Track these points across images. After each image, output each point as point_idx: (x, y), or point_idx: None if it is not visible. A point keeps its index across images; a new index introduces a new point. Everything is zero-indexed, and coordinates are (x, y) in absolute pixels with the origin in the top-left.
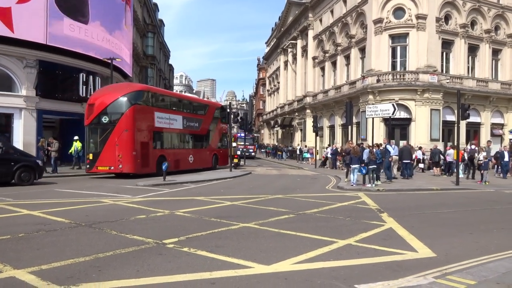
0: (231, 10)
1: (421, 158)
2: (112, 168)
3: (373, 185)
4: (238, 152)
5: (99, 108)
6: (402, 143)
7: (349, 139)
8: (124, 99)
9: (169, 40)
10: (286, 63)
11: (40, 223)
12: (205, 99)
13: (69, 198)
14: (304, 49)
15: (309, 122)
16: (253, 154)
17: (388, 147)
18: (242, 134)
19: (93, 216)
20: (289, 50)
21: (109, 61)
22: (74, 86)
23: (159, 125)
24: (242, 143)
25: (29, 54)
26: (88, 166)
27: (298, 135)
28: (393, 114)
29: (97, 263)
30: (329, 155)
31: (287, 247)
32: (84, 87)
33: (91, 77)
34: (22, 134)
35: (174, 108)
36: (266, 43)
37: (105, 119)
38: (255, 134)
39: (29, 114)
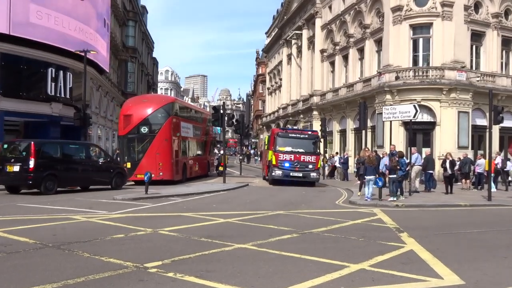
0: None
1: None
2: (153, 175)
3: (393, 199)
4: (279, 172)
5: (138, 119)
6: (424, 151)
7: (365, 145)
8: (163, 111)
9: (153, 30)
10: (289, 56)
11: None
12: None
13: (34, 214)
14: (311, 41)
15: (316, 125)
16: (314, 175)
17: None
18: (291, 133)
19: (62, 235)
20: (293, 41)
21: (83, 54)
22: (41, 83)
23: (183, 134)
24: (288, 149)
25: None
26: None
27: None
28: (414, 117)
29: None
30: (337, 164)
31: (290, 272)
32: (53, 84)
33: (61, 72)
34: None
35: (189, 118)
36: (266, 33)
37: (144, 129)
38: (253, 140)
39: None
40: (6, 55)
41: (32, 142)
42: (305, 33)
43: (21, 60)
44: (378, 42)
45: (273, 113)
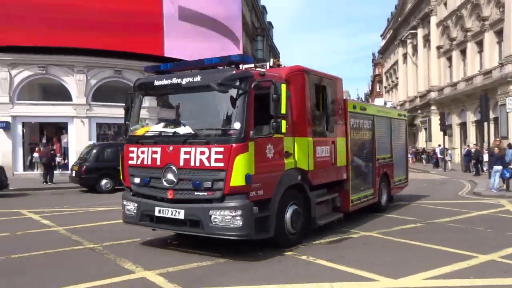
0: (342, 3)
1: None
2: None
3: None
4: (131, 208)
5: None
6: None
7: (487, 137)
8: None
9: (278, 41)
10: (405, 55)
11: None
12: None
13: None
14: (426, 39)
15: (435, 120)
16: (229, 218)
17: None
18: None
19: None
20: (408, 41)
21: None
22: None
23: None
24: (156, 129)
25: (79, 61)
26: None
27: (422, 135)
28: None
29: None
30: (439, 155)
31: (415, 260)
32: None
33: None
34: (75, 143)
35: None
36: (381, 35)
37: None
38: None
39: (80, 121)
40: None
41: None
42: (420, 32)
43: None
44: (499, 33)
45: None
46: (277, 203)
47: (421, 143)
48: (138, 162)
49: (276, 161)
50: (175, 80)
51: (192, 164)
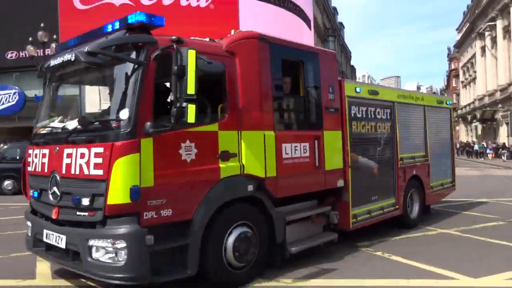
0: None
1: None
2: None
3: None
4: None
5: None
6: None
7: None
8: None
9: (351, 40)
10: (483, 48)
11: None
12: None
13: None
14: (506, 30)
15: None
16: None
17: None
18: None
19: None
20: (487, 33)
21: None
22: None
23: None
24: (54, 125)
25: None
26: None
27: (503, 130)
28: None
29: None
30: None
31: (497, 259)
32: None
33: None
34: None
35: None
36: (457, 29)
37: None
38: None
39: None
40: None
41: None
42: (499, 24)
43: None
44: None
45: (468, 104)
46: (204, 226)
47: (502, 138)
48: (32, 169)
49: (200, 165)
50: (66, 57)
51: (73, 171)
